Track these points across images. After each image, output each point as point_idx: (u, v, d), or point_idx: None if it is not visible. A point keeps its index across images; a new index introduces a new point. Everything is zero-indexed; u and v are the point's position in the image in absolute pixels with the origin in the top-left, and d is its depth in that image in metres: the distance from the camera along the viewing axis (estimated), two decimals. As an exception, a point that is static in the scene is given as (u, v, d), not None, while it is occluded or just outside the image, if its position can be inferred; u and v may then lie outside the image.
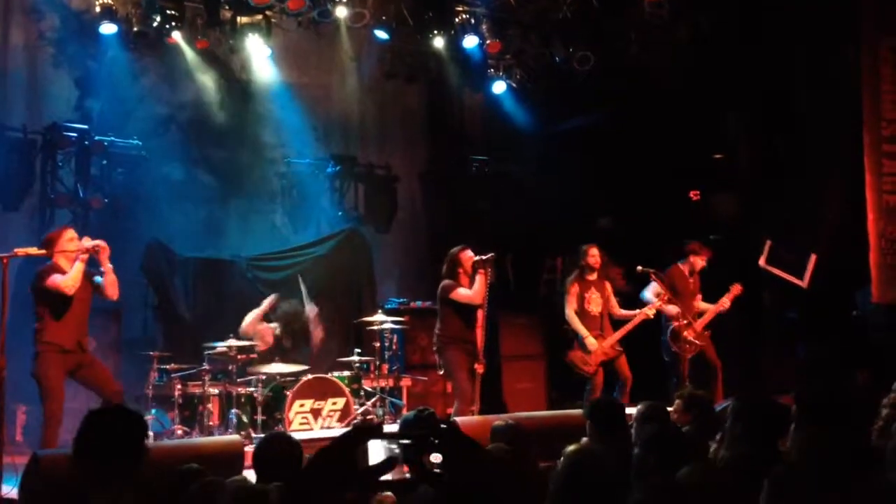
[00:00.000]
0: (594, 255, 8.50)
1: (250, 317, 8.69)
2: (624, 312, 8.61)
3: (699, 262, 8.89)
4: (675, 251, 9.06)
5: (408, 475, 1.70)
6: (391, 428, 7.50)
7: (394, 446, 1.72)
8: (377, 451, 1.80)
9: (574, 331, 8.45)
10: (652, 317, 8.51)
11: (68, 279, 6.71)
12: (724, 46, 9.72)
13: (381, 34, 10.12)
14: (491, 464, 1.73)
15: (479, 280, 7.69)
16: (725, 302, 8.79)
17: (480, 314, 7.87)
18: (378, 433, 1.70)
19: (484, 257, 7.75)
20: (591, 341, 8.30)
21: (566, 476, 2.63)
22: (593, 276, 8.53)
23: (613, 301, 8.64)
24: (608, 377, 8.40)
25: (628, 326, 8.45)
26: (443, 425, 1.72)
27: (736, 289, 8.81)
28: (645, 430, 3.78)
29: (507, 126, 11.57)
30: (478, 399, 7.77)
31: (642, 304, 8.65)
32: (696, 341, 8.59)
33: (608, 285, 8.68)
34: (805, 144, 9.32)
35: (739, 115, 9.82)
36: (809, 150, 9.28)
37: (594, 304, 8.50)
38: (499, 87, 10.99)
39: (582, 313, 8.44)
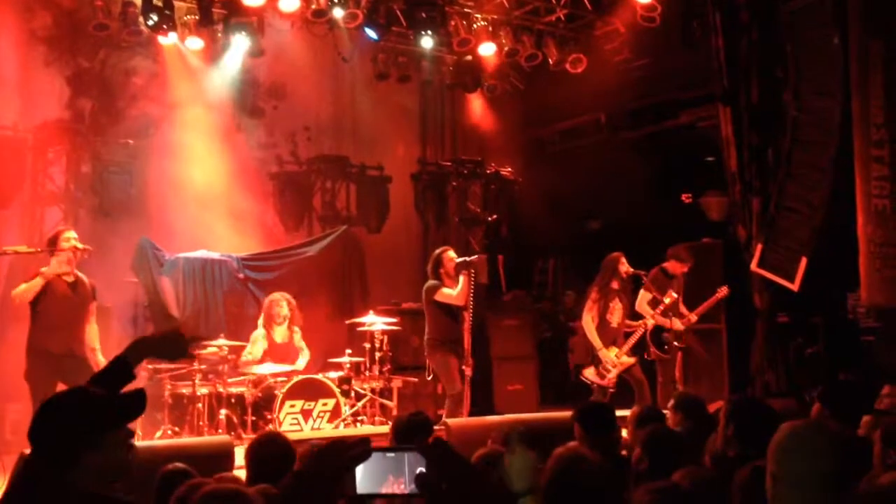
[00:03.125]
0: (625, 264, 8.33)
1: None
2: (630, 323, 8.49)
3: (678, 267, 8.82)
4: (660, 254, 9.04)
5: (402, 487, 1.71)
6: (383, 429, 7.52)
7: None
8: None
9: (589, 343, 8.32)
10: (651, 328, 8.46)
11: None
12: (716, 47, 9.74)
13: (374, 34, 10.11)
14: (477, 481, 1.73)
15: (463, 281, 7.67)
16: (711, 302, 8.76)
17: (467, 316, 7.85)
18: (368, 453, 1.71)
19: (468, 259, 7.72)
20: (604, 353, 8.20)
21: (555, 479, 2.62)
22: (617, 286, 8.36)
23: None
24: (620, 385, 8.33)
25: (632, 340, 8.37)
26: (431, 441, 1.73)
27: (723, 291, 8.80)
28: (642, 432, 3.79)
29: (499, 127, 11.59)
30: (467, 401, 7.76)
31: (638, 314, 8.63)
32: (677, 343, 8.59)
33: (629, 297, 8.51)
34: (796, 148, 9.34)
35: (731, 118, 9.84)
36: (800, 154, 9.30)
37: (615, 315, 8.34)
38: (491, 89, 11.01)
39: (601, 324, 8.29)
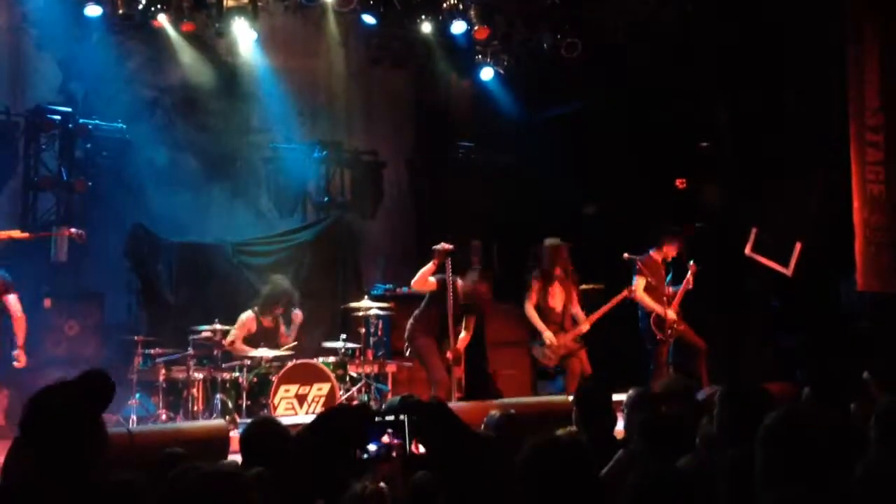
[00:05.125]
0: (564, 256, 8.50)
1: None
2: (594, 316, 8.54)
3: (672, 251, 8.85)
4: (649, 236, 9.02)
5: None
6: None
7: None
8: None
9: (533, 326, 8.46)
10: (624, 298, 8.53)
11: None
12: (711, 32, 9.73)
13: (369, 19, 10.06)
14: (471, 437, 1.74)
15: (425, 267, 7.62)
16: (689, 280, 8.79)
17: (450, 304, 7.74)
18: (367, 414, 1.72)
19: (439, 247, 7.63)
20: (547, 335, 8.33)
21: (528, 459, 2.59)
22: (559, 272, 8.50)
23: (578, 307, 8.56)
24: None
25: (603, 309, 8.47)
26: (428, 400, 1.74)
27: (692, 267, 8.77)
28: (636, 417, 3.79)
29: (493, 112, 11.54)
30: (463, 385, 7.76)
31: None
32: (677, 327, 8.63)
33: (574, 288, 8.63)
34: (791, 132, 9.34)
35: (726, 103, 9.84)
36: (796, 139, 9.30)
37: (556, 299, 8.48)
38: (486, 74, 10.96)
39: (544, 307, 8.43)
